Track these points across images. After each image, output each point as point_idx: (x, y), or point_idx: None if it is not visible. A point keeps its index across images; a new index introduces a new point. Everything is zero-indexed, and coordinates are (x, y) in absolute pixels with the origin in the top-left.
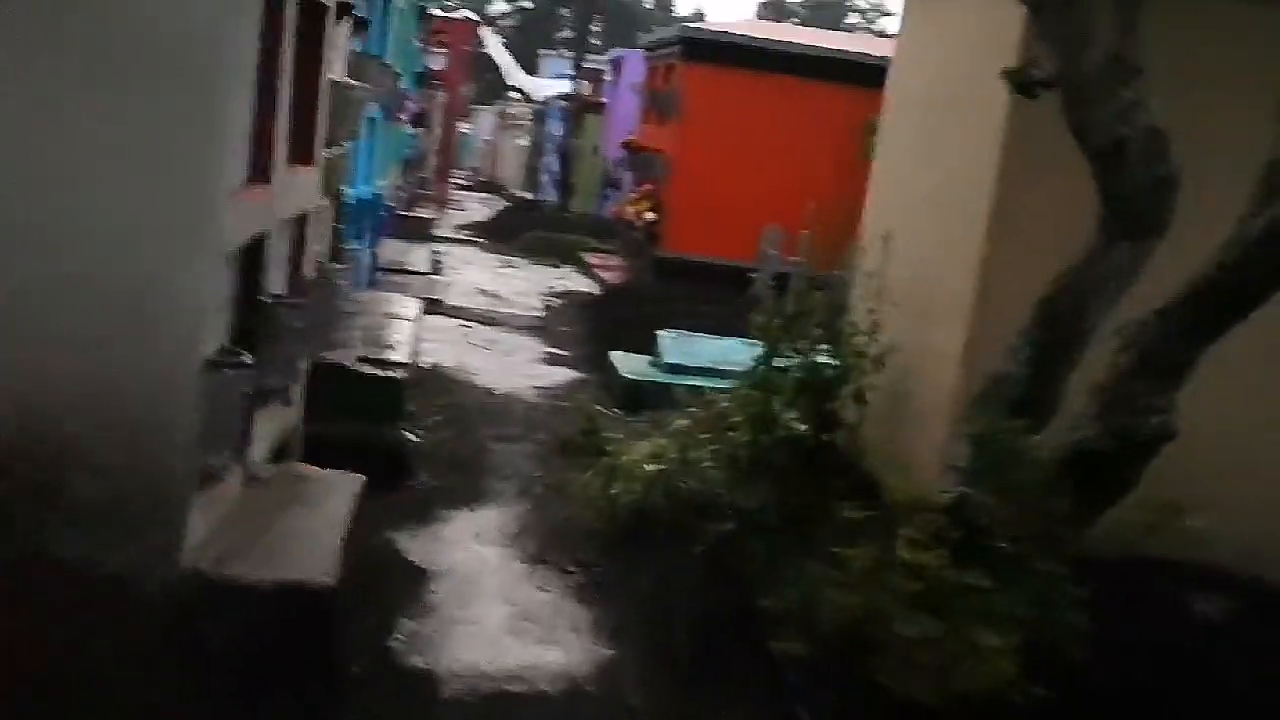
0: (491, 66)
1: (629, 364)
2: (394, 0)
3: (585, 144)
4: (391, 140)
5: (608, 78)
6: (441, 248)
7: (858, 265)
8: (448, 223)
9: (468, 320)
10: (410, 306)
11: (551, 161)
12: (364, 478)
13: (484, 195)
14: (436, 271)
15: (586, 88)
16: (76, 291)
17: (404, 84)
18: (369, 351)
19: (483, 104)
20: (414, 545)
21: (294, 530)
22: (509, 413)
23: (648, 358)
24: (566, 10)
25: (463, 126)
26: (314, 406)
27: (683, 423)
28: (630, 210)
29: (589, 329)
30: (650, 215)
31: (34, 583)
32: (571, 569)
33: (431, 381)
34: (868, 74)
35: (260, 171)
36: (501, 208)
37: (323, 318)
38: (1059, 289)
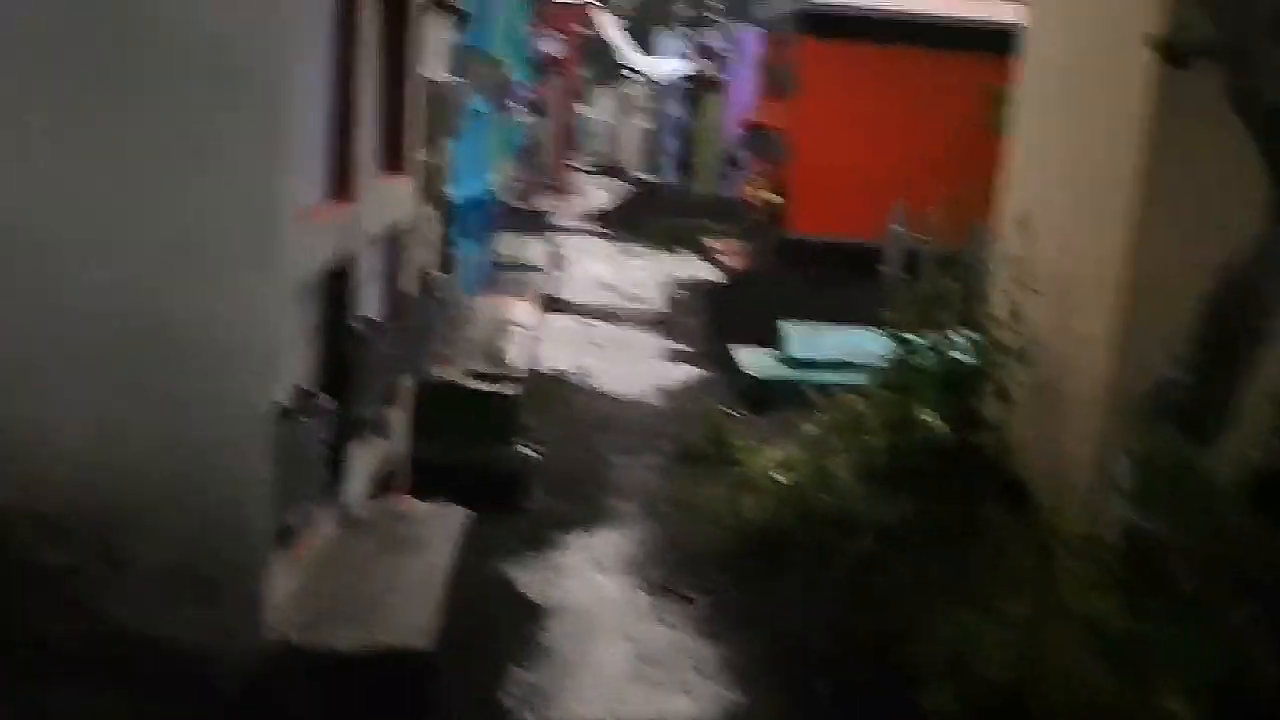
0: (608, 48)
1: (754, 360)
2: None
3: (705, 123)
4: (500, 133)
5: (727, 55)
6: (561, 239)
7: (995, 247)
8: (567, 211)
9: (587, 317)
10: (525, 310)
11: (671, 143)
12: (471, 512)
13: (605, 179)
14: (555, 265)
15: (705, 66)
16: (124, 333)
17: (514, 73)
18: (481, 365)
19: (601, 86)
20: (528, 577)
21: (391, 582)
22: (631, 420)
23: (773, 352)
24: None
25: (582, 110)
26: (423, 428)
27: (813, 429)
28: (751, 192)
29: (713, 321)
30: (772, 196)
31: (98, 654)
32: (698, 598)
33: (549, 389)
34: (993, 41)
35: (341, 186)
36: (622, 193)
37: (427, 333)
38: (1224, 282)
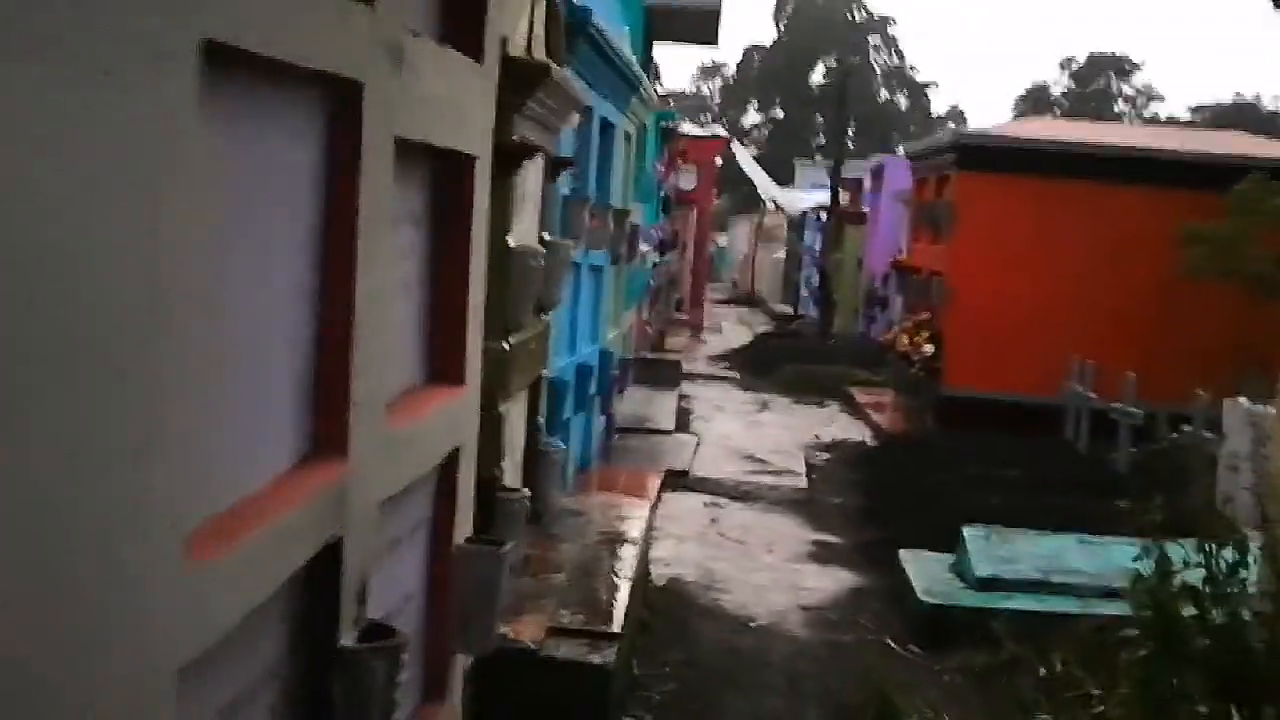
0: (745, 178)
1: (925, 573)
2: (615, 130)
3: (845, 257)
4: (622, 283)
5: (867, 186)
6: (691, 389)
7: None
8: (700, 353)
9: (716, 495)
10: (638, 511)
11: (810, 276)
12: None
13: (742, 309)
14: (683, 427)
15: (845, 198)
16: None
17: (639, 217)
18: (570, 612)
19: (738, 215)
20: None
21: None
22: (768, 663)
23: (949, 560)
24: (820, 117)
25: (719, 239)
26: (484, 713)
27: None
28: (904, 341)
29: (865, 500)
30: (928, 347)
31: None
32: None
33: (664, 613)
34: (1184, 173)
35: (326, 437)
36: (758, 329)
37: (488, 598)
38: None
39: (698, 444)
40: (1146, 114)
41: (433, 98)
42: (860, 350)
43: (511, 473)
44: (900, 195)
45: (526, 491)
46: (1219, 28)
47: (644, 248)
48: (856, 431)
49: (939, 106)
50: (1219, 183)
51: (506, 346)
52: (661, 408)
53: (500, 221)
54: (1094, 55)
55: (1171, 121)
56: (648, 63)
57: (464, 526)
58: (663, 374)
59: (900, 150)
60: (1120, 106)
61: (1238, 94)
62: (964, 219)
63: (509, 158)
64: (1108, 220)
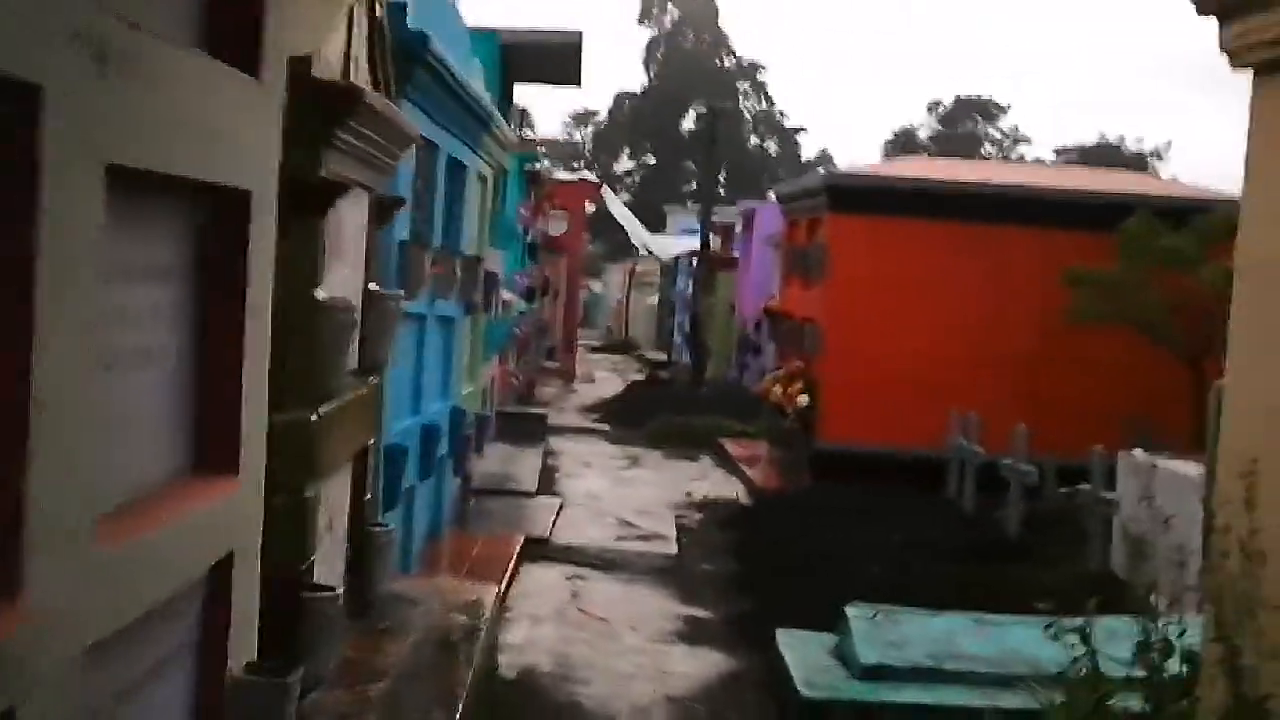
0: (617, 224)
1: (804, 660)
2: (467, 171)
3: (718, 303)
4: (481, 335)
5: (738, 231)
6: (558, 443)
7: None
8: (571, 403)
9: (579, 566)
10: (484, 595)
11: (683, 322)
12: None
13: (615, 356)
14: (546, 487)
15: (716, 243)
16: None
17: (498, 263)
18: None
19: (611, 261)
20: None
21: None
22: None
23: (831, 642)
24: (691, 163)
25: (593, 285)
26: None
27: None
28: (777, 391)
29: (738, 566)
30: (802, 398)
31: None
32: None
33: (513, 716)
34: (1071, 212)
35: None
36: (630, 379)
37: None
38: None
39: (560, 507)
40: (1013, 156)
41: (174, 116)
42: (733, 398)
43: (331, 563)
44: (771, 240)
45: (337, 590)
46: (1081, 72)
47: (508, 296)
48: (729, 488)
49: (808, 152)
50: (1107, 222)
51: (314, 418)
52: (524, 466)
53: (305, 271)
54: (961, 99)
55: (1039, 163)
56: (507, 102)
57: (243, 648)
58: (528, 428)
59: (771, 194)
60: (987, 149)
61: (1102, 135)
62: (837, 263)
63: (313, 196)
64: (991, 263)
